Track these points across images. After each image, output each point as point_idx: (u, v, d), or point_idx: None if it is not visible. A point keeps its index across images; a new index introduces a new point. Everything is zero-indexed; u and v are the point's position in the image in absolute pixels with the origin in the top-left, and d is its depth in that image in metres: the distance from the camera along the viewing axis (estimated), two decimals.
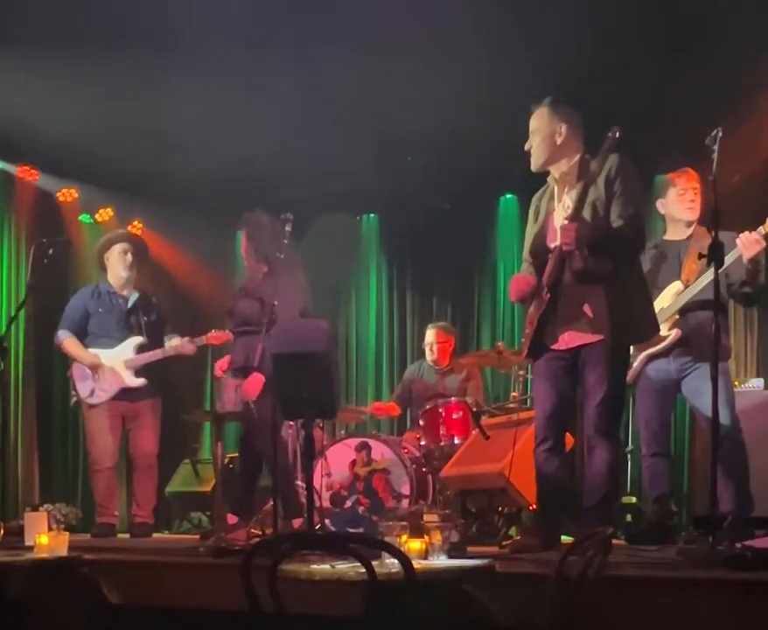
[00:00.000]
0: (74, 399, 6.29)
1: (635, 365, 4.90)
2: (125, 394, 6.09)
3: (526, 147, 4.34)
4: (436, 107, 6.41)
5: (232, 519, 5.20)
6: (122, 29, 5.86)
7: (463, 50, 5.86)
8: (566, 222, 4.09)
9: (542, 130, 4.28)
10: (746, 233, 4.59)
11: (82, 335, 6.20)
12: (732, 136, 3.97)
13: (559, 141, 4.26)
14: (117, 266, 6.25)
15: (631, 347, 4.70)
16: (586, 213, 4.11)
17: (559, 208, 4.28)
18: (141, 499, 6.16)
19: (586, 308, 4.12)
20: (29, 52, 6.06)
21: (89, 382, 6.13)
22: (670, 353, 4.86)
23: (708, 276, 4.52)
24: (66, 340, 6.22)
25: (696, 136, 3.94)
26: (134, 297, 6.27)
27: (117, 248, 6.26)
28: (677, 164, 5.13)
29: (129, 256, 6.24)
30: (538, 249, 4.34)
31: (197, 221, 8.09)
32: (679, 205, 4.98)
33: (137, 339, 6.14)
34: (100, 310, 6.20)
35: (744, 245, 4.58)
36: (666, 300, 4.87)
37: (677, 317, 4.84)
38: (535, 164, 4.34)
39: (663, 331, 4.81)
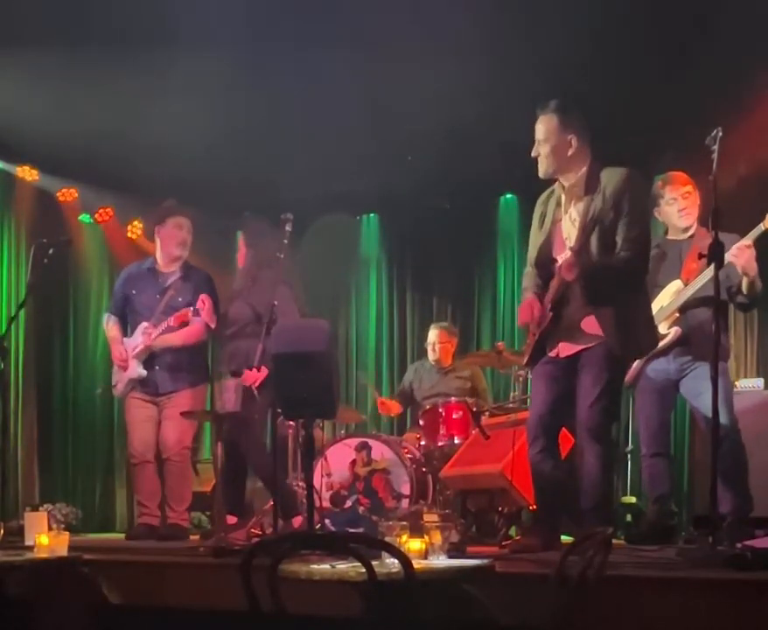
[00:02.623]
0: (99, 390, 6.08)
1: (634, 364, 4.89)
2: (154, 384, 5.69)
3: (533, 153, 4.26)
4: (436, 107, 6.41)
5: (231, 519, 5.21)
6: (122, 29, 5.86)
7: (463, 50, 5.86)
8: (569, 255, 4.08)
9: (552, 141, 4.19)
10: (736, 245, 4.61)
11: (124, 319, 5.83)
12: (732, 136, 3.97)
13: (570, 153, 4.20)
14: (168, 241, 5.74)
15: None
16: (593, 226, 4.09)
17: (566, 219, 4.25)
18: (168, 497, 5.67)
19: (585, 325, 4.13)
20: (29, 52, 6.06)
21: (116, 373, 5.84)
22: (670, 351, 4.86)
23: (708, 274, 4.53)
24: (107, 325, 5.91)
25: (696, 136, 3.94)
26: (174, 275, 5.75)
27: (171, 222, 5.78)
28: (677, 163, 5.13)
29: (184, 232, 5.76)
30: (544, 260, 4.32)
31: (197, 221, 8.07)
32: (670, 215, 4.97)
33: (144, 325, 5.62)
34: (133, 291, 5.79)
35: (735, 255, 4.59)
36: (666, 298, 4.88)
37: (677, 315, 4.84)
38: (544, 172, 4.27)
39: (662, 329, 4.82)
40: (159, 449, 5.71)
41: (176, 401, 5.65)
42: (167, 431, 5.67)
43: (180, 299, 5.63)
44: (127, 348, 5.72)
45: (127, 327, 5.85)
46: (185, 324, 5.53)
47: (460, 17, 5.57)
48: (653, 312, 4.82)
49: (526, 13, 5.63)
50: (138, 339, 5.67)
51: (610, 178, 4.13)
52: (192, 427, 5.82)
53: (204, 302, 5.32)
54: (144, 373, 5.66)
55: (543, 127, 4.22)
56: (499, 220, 8.35)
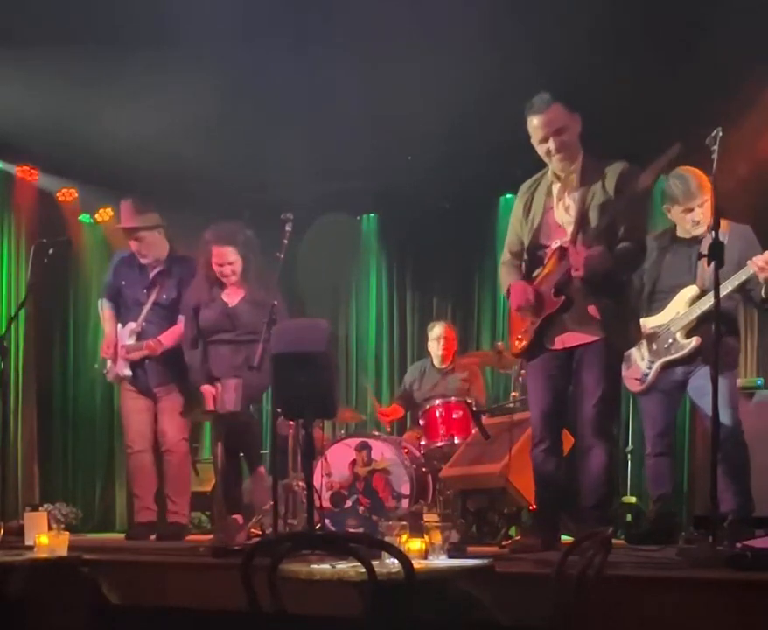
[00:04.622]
0: (96, 365, 6.12)
1: (651, 373, 4.88)
2: (144, 381, 5.76)
3: (550, 150, 4.17)
4: (436, 106, 6.41)
5: (239, 518, 5.24)
6: (122, 29, 5.86)
7: (463, 49, 5.85)
8: (578, 247, 4.05)
9: (568, 127, 4.16)
10: (757, 258, 4.54)
11: (118, 305, 5.90)
12: (732, 136, 3.97)
13: (579, 131, 4.20)
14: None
15: (647, 355, 4.81)
16: (591, 216, 4.10)
17: (559, 207, 4.25)
18: (168, 490, 5.73)
19: (592, 311, 4.12)
20: (29, 52, 6.05)
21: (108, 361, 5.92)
22: (692, 361, 4.80)
23: (727, 286, 4.50)
24: (102, 312, 6.00)
25: (696, 136, 3.93)
26: (159, 268, 5.81)
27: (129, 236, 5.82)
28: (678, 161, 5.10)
29: (135, 244, 5.78)
30: (533, 247, 4.31)
31: (197, 221, 8.07)
32: (684, 223, 4.87)
33: (131, 325, 5.75)
34: (123, 283, 5.88)
35: (760, 267, 4.55)
36: (682, 306, 4.81)
37: (694, 323, 4.78)
38: (567, 163, 4.19)
39: (680, 338, 4.80)
40: (158, 441, 5.77)
41: (170, 393, 5.74)
42: (164, 423, 5.74)
43: (165, 296, 5.76)
44: (118, 339, 5.81)
45: (120, 313, 5.93)
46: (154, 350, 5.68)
47: (460, 16, 5.57)
48: (669, 318, 4.83)
49: (527, 13, 5.62)
50: (125, 339, 5.77)
51: (612, 170, 4.14)
52: (181, 421, 5.81)
53: None
54: (129, 373, 5.76)
55: (552, 118, 4.15)
56: (499, 220, 8.34)
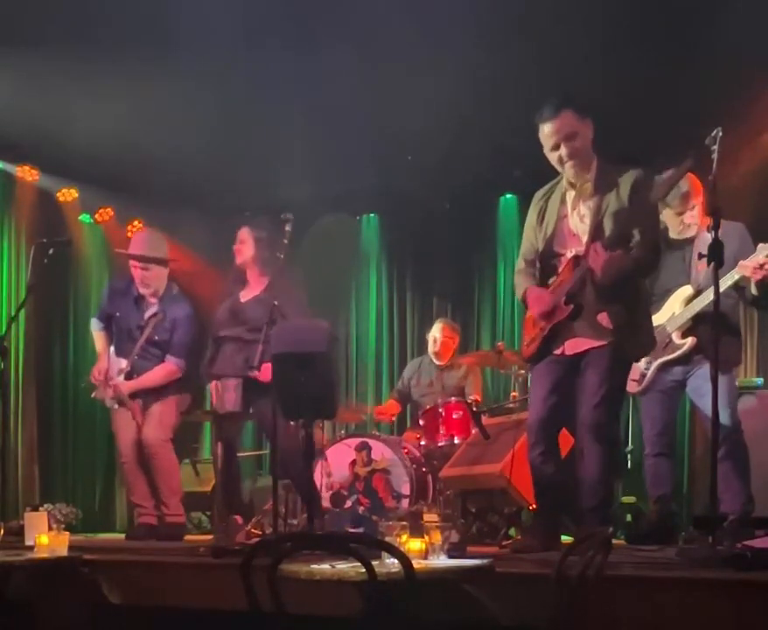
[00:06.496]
0: (84, 384, 6.08)
1: (649, 373, 4.89)
2: (136, 411, 5.77)
3: (562, 157, 4.15)
4: (436, 107, 6.41)
5: (240, 519, 5.24)
6: (124, 29, 5.86)
7: (463, 50, 5.86)
8: (602, 251, 4.03)
9: (579, 133, 4.13)
10: (748, 261, 4.57)
11: (110, 329, 5.87)
12: (732, 136, 3.97)
13: (591, 136, 4.18)
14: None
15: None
16: (606, 224, 4.09)
17: (573, 216, 4.23)
18: (160, 492, 5.72)
19: (602, 318, 4.11)
20: (29, 51, 6.06)
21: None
22: (688, 361, 4.83)
23: (721, 284, 4.49)
24: (95, 333, 5.97)
25: (696, 137, 3.93)
26: (154, 307, 5.74)
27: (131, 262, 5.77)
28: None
29: (139, 270, 5.71)
30: (547, 255, 4.30)
31: (197, 221, 8.09)
32: (675, 225, 4.90)
33: (122, 363, 5.72)
34: (118, 314, 5.83)
35: (751, 273, 4.56)
36: (677, 306, 4.83)
37: (690, 323, 4.79)
38: (579, 170, 4.17)
39: (676, 338, 4.81)
40: (142, 447, 5.75)
41: (159, 407, 5.73)
42: (146, 428, 5.72)
43: (157, 338, 5.72)
44: (110, 367, 5.78)
45: (113, 337, 5.90)
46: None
47: (460, 16, 5.57)
48: (665, 319, 4.83)
49: (527, 13, 5.62)
50: (114, 372, 5.74)
51: (626, 178, 4.12)
52: (170, 422, 5.78)
53: None
54: (117, 407, 5.76)
55: (563, 125, 4.12)
56: (499, 220, 8.36)
